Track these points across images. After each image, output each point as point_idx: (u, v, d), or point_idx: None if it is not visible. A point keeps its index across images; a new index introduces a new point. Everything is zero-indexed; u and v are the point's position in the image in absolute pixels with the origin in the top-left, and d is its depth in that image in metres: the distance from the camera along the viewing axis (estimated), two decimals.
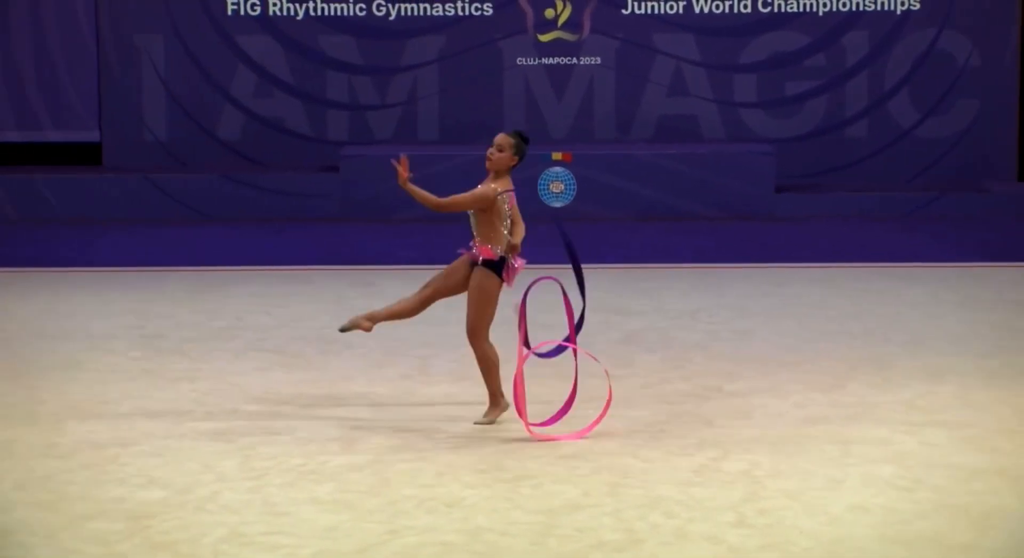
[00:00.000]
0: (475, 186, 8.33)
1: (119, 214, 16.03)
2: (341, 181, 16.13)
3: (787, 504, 6.92)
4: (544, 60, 16.96)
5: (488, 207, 8.18)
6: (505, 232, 8.16)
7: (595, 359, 8.16)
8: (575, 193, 15.97)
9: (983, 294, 11.77)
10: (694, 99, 16.86)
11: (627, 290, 11.99)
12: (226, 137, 16.97)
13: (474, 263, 8.20)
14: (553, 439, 7.94)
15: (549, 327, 9.16)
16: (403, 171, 8.27)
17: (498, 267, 8.16)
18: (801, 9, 16.79)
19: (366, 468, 7.47)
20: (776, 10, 16.81)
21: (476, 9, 16.95)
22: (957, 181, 16.63)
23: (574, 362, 8.17)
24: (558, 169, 16.02)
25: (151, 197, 16.14)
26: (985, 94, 16.69)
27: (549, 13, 16.94)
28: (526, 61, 16.97)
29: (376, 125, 17.01)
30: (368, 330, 8.35)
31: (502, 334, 8.56)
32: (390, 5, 16.95)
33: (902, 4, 16.74)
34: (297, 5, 16.93)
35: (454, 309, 10.77)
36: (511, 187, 8.24)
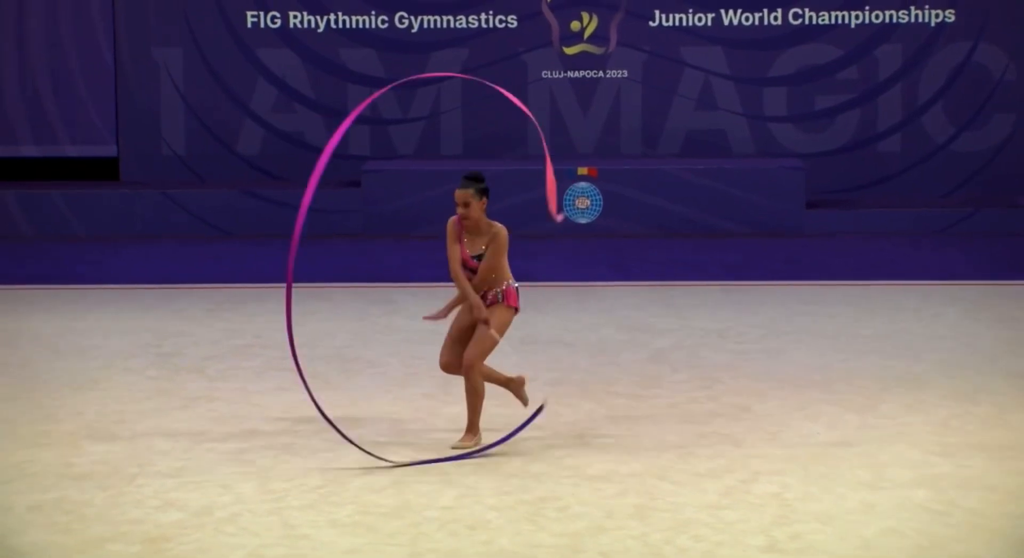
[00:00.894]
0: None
1: (136, 230, 16.08)
2: (362, 196, 16.15)
3: (819, 528, 6.89)
4: (569, 73, 16.97)
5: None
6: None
7: None
8: (601, 209, 15.97)
9: (1019, 312, 11.72)
10: (723, 113, 16.85)
11: (654, 308, 11.97)
12: (246, 152, 17.02)
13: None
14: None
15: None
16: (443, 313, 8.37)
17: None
18: (833, 21, 16.77)
19: (387, 489, 7.46)
20: (807, 22, 16.80)
21: (500, 21, 16.98)
22: (992, 197, 16.57)
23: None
24: (584, 184, 16.01)
25: (169, 213, 16.18)
26: (1021, 108, 16.64)
27: (575, 26, 16.96)
28: (551, 74, 16.98)
29: (398, 140, 17.03)
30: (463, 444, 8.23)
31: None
32: (412, 17, 16.98)
33: (936, 16, 16.71)
34: (318, 18, 16.97)
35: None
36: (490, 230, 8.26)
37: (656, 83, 16.88)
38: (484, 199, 8.35)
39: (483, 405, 8.26)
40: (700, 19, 16.88)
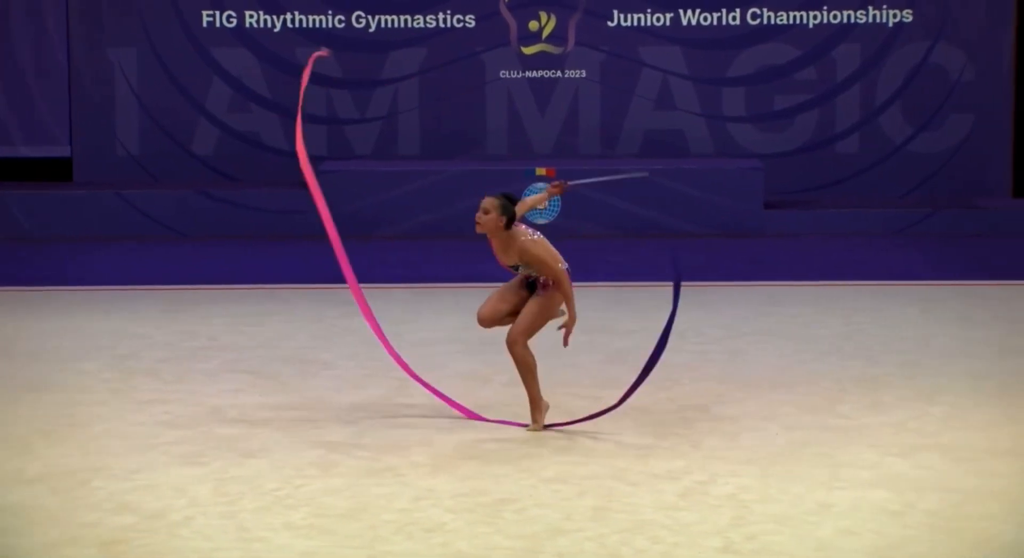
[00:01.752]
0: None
1: (90, 231, 16.01)
2: None
3: (775, 529, 6.92)
4: (528, 73, 16.99)
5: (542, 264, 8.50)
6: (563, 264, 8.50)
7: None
8: (559, 209, 15.99)
9: (977, 313, 11.79)
10: (681, 113, 16.90)
11: (614, 308, 12.00)
12: (201, 152, 16.97)
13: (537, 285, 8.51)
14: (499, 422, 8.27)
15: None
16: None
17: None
18: (791, 21, 16.85)
19: (343, 492, 7.45)
20: (765, 22, 16.86)
21: (458, 21, 16.98)
22: (950, 197, 16.67)
23: None
24: (542, 185, 16.03)
25: (123, 214, 16.12)
26: (979, 109, 16.75)
27: (533, 25, 16.98)
28: (509, 74, 16.99)
29: (355, 140, 17.01)
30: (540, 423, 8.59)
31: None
32: (370, 17, 16.97)
33: (894, 16, 16.80)
34: (274, 17, 16.94)
35: (436, 331, 10.76)
36: (526, 235, 8.48)
37: (614, 83, 16.91)
38: (504, 217, 8.42)
39: (538, 374, 8.50)
40: (659, 19, 16.92)
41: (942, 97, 16.76)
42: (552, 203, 16.58)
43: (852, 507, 7.19)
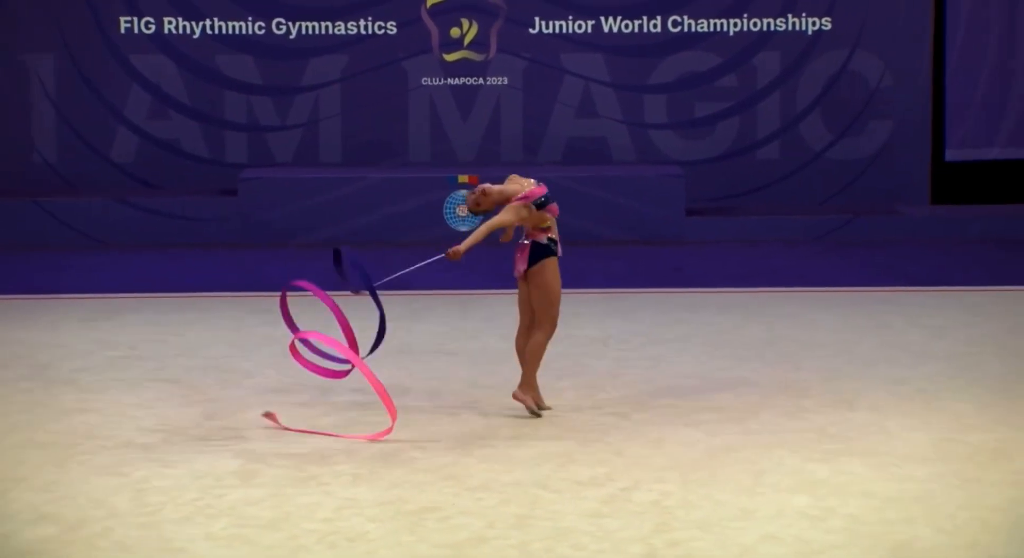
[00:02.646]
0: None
1: (6, 240, 15.84)
2: (240, 205, 16.05)
3: (698, 535, 6.96)
4: (450, 80, 16.99)
5: (526, 218, 9.08)
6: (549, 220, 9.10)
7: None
8: (481, 217, 15.98)
9: (896, 319, 11.91)
10: (603, 120, 16.96)
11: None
12: (120, 160, 16.85)
13: (524, 267, 8.98)
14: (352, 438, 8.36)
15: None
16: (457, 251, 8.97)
17: (545, 248, 9.03)
18: (711, 29, 16.95)
19: (265, 502, 7.42)
20: (686, 30, 16.96)
21: (380, 27, 16.96)
22: (870, 204, 16.82)
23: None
24: (464, 191, 16.02)
25: (41, 222, 15.97)
26: (898, 115, 16.92)
27: (455, 32, 16.98)
28: (431, 81, 16.99)
29: (276, 147, 16.95)
30: (535, 409, 9.00)
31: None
32: (290, 23, 16.92)
33: (813, 24, 16.94)
34: (194, 23, 16.85)
35: (357, 338, 10.73)
36: (526, 189, 9.15)
37: (537, 90, 16.95)
38: (496, 188, 9.14)
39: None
40: (580, 26, 16.98)
41: (861, 104, 16.92)
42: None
43: (774, 513, 7.24)
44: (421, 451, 8.27)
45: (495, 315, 11.94)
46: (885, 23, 16.84)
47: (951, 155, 17.09)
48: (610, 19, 16.96)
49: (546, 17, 16.96)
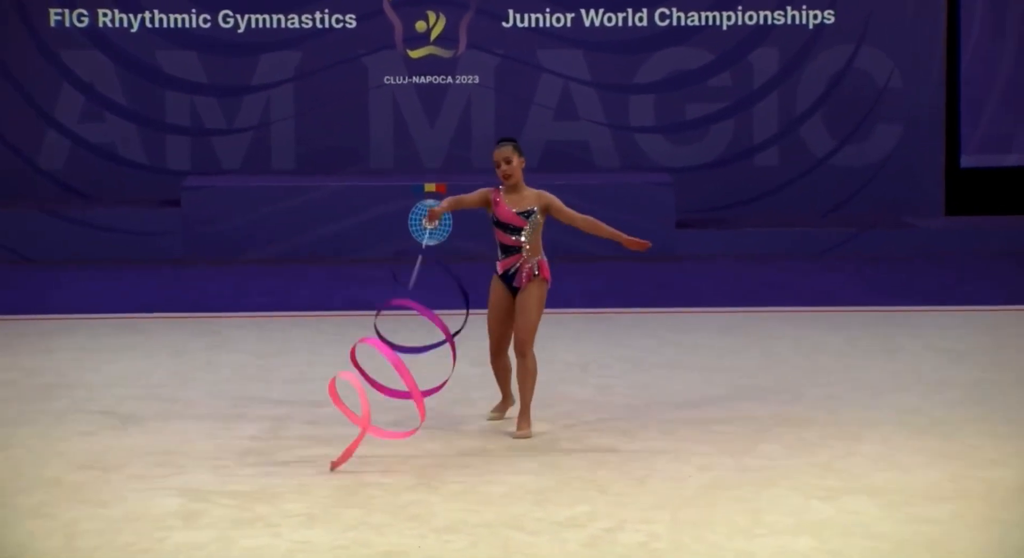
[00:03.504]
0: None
1: None
2: (183, 217, 16.01)
3: None
4: (415, 79, 16.99)
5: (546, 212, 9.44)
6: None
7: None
8: (450, 229, 15.97)
9: (908, 342, 11.92)
10: (584, 123, 16.97)
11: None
12: (49, 167, 16.81)
13: (516, 280, 9.29)
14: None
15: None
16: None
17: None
18: (703, 23, 16.98)
19: (210, 545, 7.38)
20: (675, 23, 16.98)
21: (337, 21, 16.95)
22: (877, 216, 16.86)
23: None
24: (431, 202, 16.02)
25: None
26: (908, 119, 16.96)
27: (420, 26, 16.99)
28: (394, 80, 16.99)
29: (223, 153, 16.93)
30: (524, 432, 9.20)
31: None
32: (239, 16, 16.90)
33: (815, 17, 16.99)
34: (131, 16, 16.83)
35: (313, 365, 10.68)
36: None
37: (511, 90, 16.95)
38: (523, 158, 9.46)
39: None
40: (559, 19, 17.00)
41: (868, 106, 16.96)
42: (443, 223, 16.64)
43: (774, 556, 7.22)
44: (380, 488, 8.22)
45: (463, 338, 11.93)
46: (894, 16, 16.89)
47: (967, 161, 17.15)
48: (591, 12, 16.98)
49: (521, 9, 16.98)
